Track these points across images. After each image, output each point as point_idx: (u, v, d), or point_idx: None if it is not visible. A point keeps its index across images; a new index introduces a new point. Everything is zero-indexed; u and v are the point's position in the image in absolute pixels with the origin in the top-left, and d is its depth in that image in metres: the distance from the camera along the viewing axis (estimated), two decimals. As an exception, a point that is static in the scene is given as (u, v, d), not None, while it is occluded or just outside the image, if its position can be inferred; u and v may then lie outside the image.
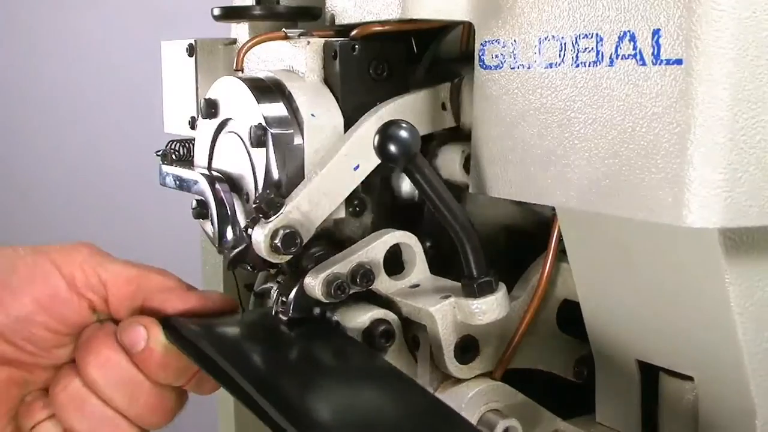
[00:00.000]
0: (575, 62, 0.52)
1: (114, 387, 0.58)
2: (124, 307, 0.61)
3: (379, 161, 0.58)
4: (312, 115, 0.62)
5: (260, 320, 0.65)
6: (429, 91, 0.64)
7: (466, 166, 0.63)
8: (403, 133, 0.54)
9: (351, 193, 0.62)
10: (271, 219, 0.59)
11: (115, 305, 0.60)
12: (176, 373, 0.60)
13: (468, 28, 0.65)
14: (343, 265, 0.60)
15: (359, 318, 0.60)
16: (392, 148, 0.54)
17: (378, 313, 0.60)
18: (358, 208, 0.65)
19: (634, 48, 0.49)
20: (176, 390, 0.61)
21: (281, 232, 0.59)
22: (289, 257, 0.60)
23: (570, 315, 0.63)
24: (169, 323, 0.59)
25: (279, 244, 0.59)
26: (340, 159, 0.61)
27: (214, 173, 0.67)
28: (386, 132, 0.54)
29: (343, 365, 0.60)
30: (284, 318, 0.61)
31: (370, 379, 0.57)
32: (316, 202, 0.61)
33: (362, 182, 0.63)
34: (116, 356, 0.58)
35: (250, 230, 0.61)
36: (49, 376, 0.61)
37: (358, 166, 0.61)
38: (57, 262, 0.59)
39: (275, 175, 0.62)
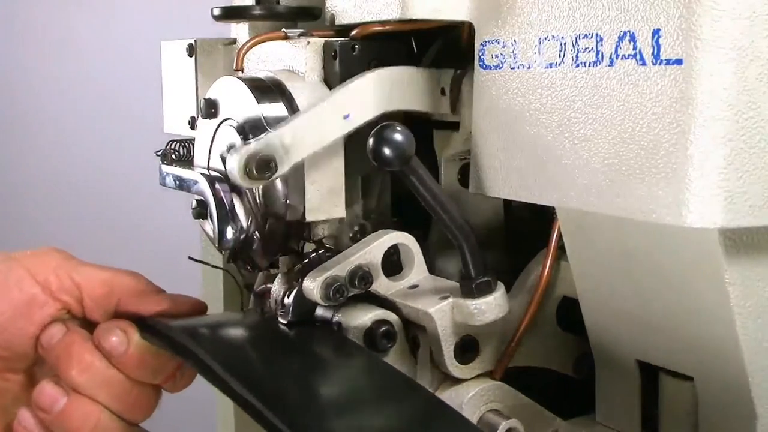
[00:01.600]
0: (575, 62, 0.52)
1: (98, 388, 0.60)
2: (100, 308, 0.62)
3: (371, 117, 0.58)
4: (312, 114, 0.62)
5: (233, 318, 0.67)
6: (432, 72, 0.64)
7: (464, 180, 0.63)
8: (398, 136, 0.54)
9: (352, 220, 0.63)
10: (250, 142, 0.58)
11: (90, 307, 0.62)
12: (153, 372, 0.62)
13: (468, 28, 0.65)
14: (341, 267, 0.60)
15: (360, 319, 0.60)
16: (387, 151, 0.54)
17: (379, 313, 0.60)
18: (359, 235, 0.65)
19: (634, 48, 0.49)
20: (154, 386, 0.63)
21: (258, 156, 0.58)
22: (261, 183, 0.59)
23: (569, 312, 0.63)
24: (144, 324, 0.61)
25: (253, 169, 0.58)
26: (331, 102, 0.60)
27: (214, 173, 0.67)
28: (380, 135, 0.54)
29: (325, 358, 0.61)
30: (283, 321, 0.62)
31: (352, 369, 0.58)
32: (300, 136, 0.59)
33: (362, 190, 0.62)
34: (98, 361, 0.60)
35: (226, 155, 0.59)
36: (21, 380, 0.63)
37: (348, 116, 0.61)
38: (30, 268, 0.61)
39: (275, 174, 0.61)
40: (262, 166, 0.58)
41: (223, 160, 0.61)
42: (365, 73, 0.62)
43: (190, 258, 0.68)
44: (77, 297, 0.62)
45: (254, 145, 0.58)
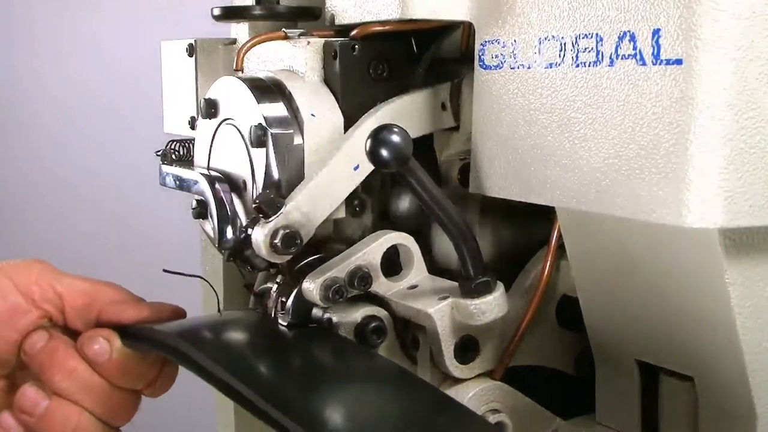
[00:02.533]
0: (575, 62, 0.52)
1: (81, 394, 0.61)
2: (81, 317, 0.63)
3: None
4: (312, 115, 0.62)
5: (218, 318, 0.68)
6: (429, 91, 0.64)
7: (464, 179, 0.63)
8: (395, 138, 0.54)
9: (351, 194, 0.63)
10: (271, 219, 0.59)
11: (72, 316, 0.63)
12: (135, 378, 0.63)
13: (468, 28, 0.65)
14: (340, 268, 0.60)
15: (351, 315, 0.60)
16: (384, 152, 0.54)
17: (369, 309, 0.61)
18: (357, 209, 0.65)
19: (634, 48, 0.49)
20: (134, 392, 0.64)
21: (281, 232, 0.59)
22: (288, 257, 0.60)
23: (568, 310, 0.63)
24: (127, 332, 0.62)
25: (279, 244, 0.59)
26: (340, 159, 0.61)
27: (214, 173, 0.67)
28: (378, 137, 0.54)
29: (315, 350, 0.61)
30: (284, 323, 0.62)
31: (345, 361, 0.59)
32: (316, 202, 0.61)
33: (362, 182, 0.63)
34: (81, 366, 0.61)
35: (250, 230, 0.61)
36: (2, 385, 0.64)
37: (358, 166, 0.61)
38: (13, 278, 0.62)
39: (275, 175, 0.62)
40: (288, 241, 0.59)
41: (248, 235, 0.62)
42: (365, 117, 0.62)
43: (165, 270, 0.69)
44: (59, 306, 0.63)
45: (274, 222, 0.59)
